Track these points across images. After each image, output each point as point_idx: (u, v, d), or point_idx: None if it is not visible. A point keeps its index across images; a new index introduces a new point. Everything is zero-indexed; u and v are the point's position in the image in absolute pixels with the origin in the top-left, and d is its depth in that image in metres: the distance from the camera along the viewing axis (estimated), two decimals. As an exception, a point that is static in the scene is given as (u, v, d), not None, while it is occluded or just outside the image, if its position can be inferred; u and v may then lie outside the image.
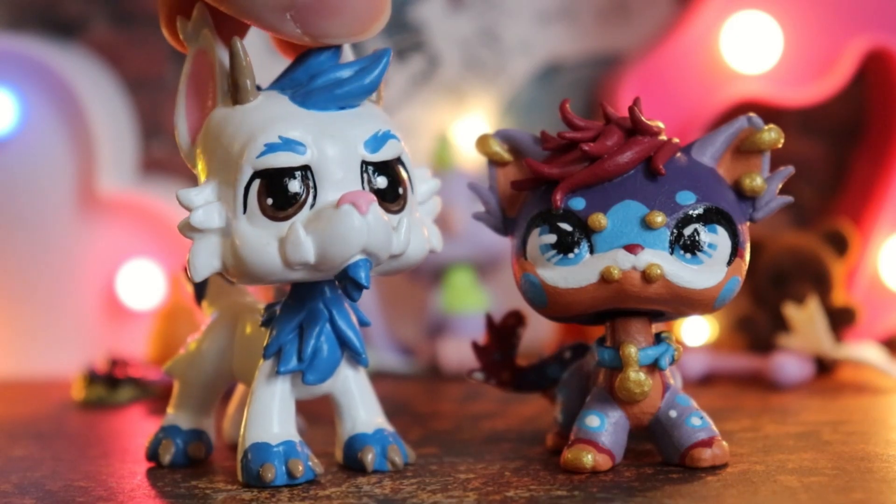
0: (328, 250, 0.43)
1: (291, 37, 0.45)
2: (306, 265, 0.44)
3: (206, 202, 0.45)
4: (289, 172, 0.44)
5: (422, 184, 0.49)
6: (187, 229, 0.45)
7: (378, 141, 0.46)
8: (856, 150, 1.06)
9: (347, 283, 0.44)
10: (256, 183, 0.44)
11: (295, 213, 0.44)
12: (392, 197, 0.46)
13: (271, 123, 0.44)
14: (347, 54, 0.48)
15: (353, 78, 0.46)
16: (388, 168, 0.46)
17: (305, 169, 0.44)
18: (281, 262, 0.44)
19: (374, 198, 0.44)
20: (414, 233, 0.46)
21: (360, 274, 0.44)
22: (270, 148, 0.44)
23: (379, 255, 0.44)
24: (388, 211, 0.45)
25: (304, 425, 0.57)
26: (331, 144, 0.44)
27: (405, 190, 0.47)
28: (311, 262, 0.44)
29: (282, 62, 0.48)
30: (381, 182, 0.46)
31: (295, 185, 0.44)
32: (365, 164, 0.45)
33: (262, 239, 0.44)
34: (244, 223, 0.44)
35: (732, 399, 0.69)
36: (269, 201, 0.44)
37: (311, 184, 0.44)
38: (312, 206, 0.44)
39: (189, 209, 0.45)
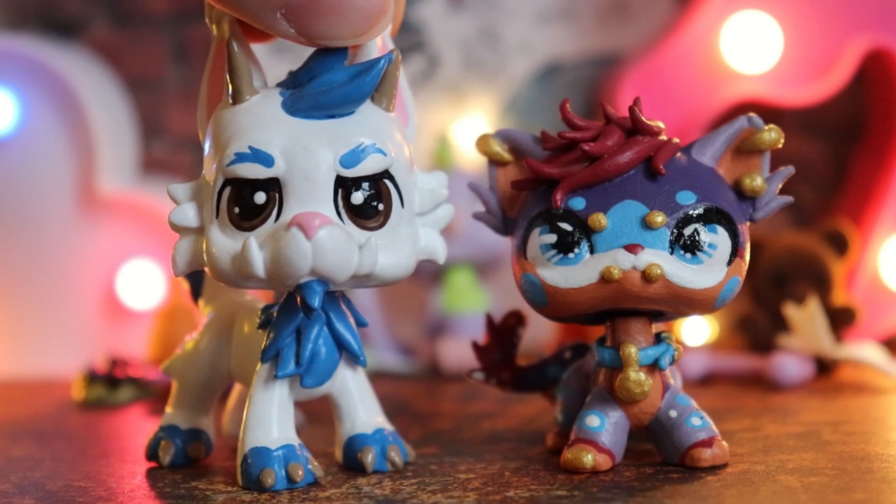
0: (276, 270, 0.43)
1: (287, 37, 0.44)
2: (259, 280, 0.44)
3: (188, 200, 0.45)
4: (255, 184, 0.44)
5: (424, 193, 0.48)
6: (169, 225, 0.46)
7: (356, 155, 0.44)
8: (856, 150, 1.06)
9: (302, 301, 0.45)
10: (227, 190, 0.44)
11: (259, 226, 0.44)
12: (369, 214, 0.45)
13: (247, 131, 0.44)
14: (371, 52, 0.47)
15: (341, 86, 0.44)
16: (368, 183, 0.45)
17: (274, 182, 0.44)
18: (236, 272, 0.44)
19: (329, 220, 0.43)
20: (389, 251, 0.45)
21: (313, 298, 0.44)
22: (239, 157, 0.43)
23: (333, 277, 0.43)
24: (363, 228, 0.45)
25: (303, 420, 0.57)
26: (302, 158, 0.44)
27: (388, 205, 0.45)
28: (262, 277, 0.44)
29: (282, 62, 0.48)
30: (357, 198, 0.44)
31: (260, 198, 0.44)
32: (342, 178, 0.44)
33: (224, 246, 0.44)
34: (215, 228, 0.44)
35: (732, 399, 0.69)
36: (236, 210, 0.44)
37: (277, 197, 0.44)
38: (277, 219, 0.44)
39: (176, 203, 0.45)
